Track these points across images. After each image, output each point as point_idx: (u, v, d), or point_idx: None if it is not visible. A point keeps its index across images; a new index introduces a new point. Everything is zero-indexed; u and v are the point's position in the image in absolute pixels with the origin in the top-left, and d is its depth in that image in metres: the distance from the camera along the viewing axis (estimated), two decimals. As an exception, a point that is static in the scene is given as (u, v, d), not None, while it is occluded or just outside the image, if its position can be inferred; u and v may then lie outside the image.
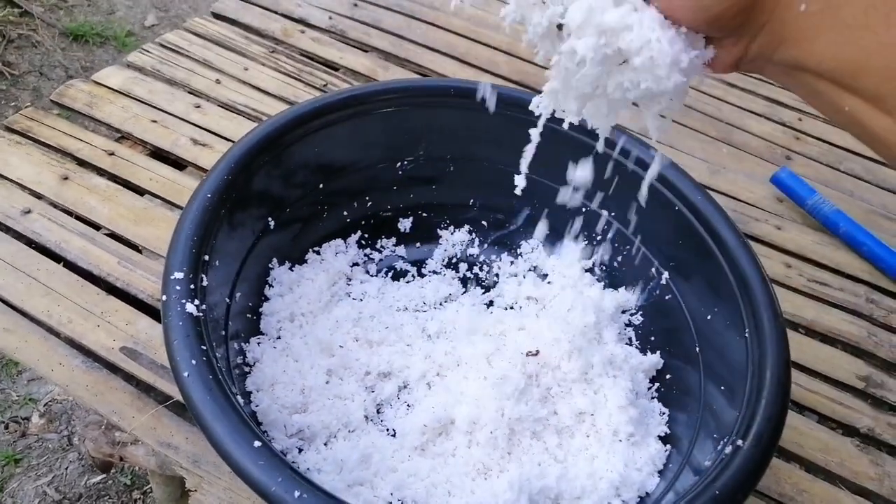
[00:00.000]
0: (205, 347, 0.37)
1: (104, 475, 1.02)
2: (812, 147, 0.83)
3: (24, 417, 1.08)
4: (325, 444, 0.45)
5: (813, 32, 0.28)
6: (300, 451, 0.44)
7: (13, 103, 1.49)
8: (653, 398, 0.50)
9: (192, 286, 0.39)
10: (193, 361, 0.36)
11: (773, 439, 0.38)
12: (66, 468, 1.03)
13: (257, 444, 0.33)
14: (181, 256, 0.40)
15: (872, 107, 0.27)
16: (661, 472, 0.44)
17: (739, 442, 0.37)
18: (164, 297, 0.38)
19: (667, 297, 0.51)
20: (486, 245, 0.59)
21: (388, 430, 0.46)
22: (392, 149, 0.56)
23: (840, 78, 0.28)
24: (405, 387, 0.48)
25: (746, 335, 0.42)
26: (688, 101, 0.85)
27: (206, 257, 0.41)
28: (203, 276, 0.40)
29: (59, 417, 1.09)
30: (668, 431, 0.47)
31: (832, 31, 0.27)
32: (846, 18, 0.27)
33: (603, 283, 0.56)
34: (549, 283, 0.56)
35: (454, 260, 0.58)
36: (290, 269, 0.52)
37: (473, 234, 0.59)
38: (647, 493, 0.43)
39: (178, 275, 0.39)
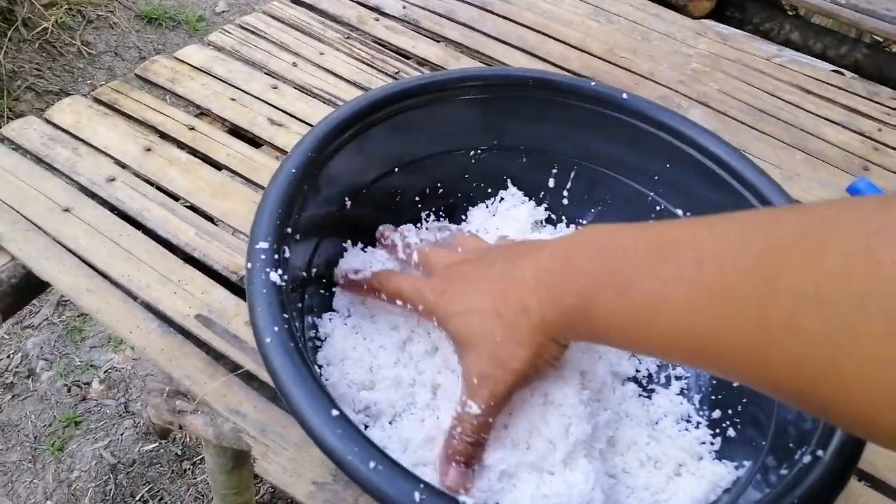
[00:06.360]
0: (286, 316, 0.37)
1: (157, 443, 1.06)
2: (892, 158, 0.80)
3: (86, 382, 1.12)
4: (391, 423, 0.45)
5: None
6: (366, 427, 0.45)
7: (89, 81, 1.55)
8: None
9: (276, 256, 0.39)
10: (276, 328, 0.36)
11: (856, 449, 0.36)
12: (122, 434, 1.07)
13: (335, 412, 0.34)
14: (266, 227, 0.41)
15: None
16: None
17: (819, 452, 0.36)
18: (248, 266, 0.39)
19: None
20: (554, 236, 0.59)
21: (452, 414, 0.46)
22: (467, 137, 0.56)
23: None
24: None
25: None
26: (762, 106, 0.83)
27: (289, 230, 0.42)
28: (286, 248, 0.41)
29: (118, 385, 1.12)
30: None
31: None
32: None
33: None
34: None
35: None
36: (363, 249, 0.53)
37: (542, 226, 0.59)
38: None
39: (264, 244, 0.40)
